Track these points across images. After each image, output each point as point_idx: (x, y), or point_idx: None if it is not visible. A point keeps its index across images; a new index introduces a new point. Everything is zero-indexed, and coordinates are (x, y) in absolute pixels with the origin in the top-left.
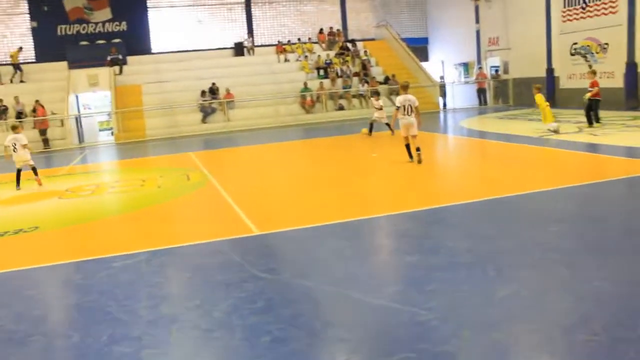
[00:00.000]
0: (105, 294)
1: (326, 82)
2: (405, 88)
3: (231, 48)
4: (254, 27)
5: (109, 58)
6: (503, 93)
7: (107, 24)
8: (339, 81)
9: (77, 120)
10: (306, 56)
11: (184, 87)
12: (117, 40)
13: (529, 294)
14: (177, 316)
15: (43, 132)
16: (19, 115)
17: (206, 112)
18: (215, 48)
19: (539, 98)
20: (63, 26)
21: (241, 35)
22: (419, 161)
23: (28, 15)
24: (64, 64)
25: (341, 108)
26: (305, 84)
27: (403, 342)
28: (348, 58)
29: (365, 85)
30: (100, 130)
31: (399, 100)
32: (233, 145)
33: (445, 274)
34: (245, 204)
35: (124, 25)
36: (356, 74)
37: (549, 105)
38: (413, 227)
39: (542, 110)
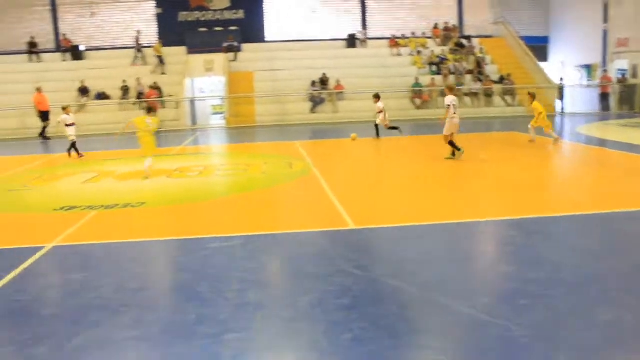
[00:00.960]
0: (199, 274)
1: (438, 79)
2: (452, 89)
3: (344, 39)
4: (368, 19)
5: (225, 45)
6: (629, 99)
7: (225, 12)
8: (452, 78)
9: (192, 103)
10: (419, 51)
11: (295, 76)
12: (233, 28)
13: (635, 322)
14: (263, 303)
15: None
16: (139, 95)
17: (315, 102)
18: (327, 39)
19: None
20: (184, 13)
21: (354, 27)
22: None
23: (154, 2)
24: (183, 49)
25: None
26: (416, 79)
27: (489, 357)
28: (462, 55)
29: (479, 83)
30: (212, 113)
31: (450, 100)
32: (339, 136)
33: (543, 290)
34: (345, 196)
35: (241, 14)
36: (470, 72)
37: None
38: (514, 236)
39: None
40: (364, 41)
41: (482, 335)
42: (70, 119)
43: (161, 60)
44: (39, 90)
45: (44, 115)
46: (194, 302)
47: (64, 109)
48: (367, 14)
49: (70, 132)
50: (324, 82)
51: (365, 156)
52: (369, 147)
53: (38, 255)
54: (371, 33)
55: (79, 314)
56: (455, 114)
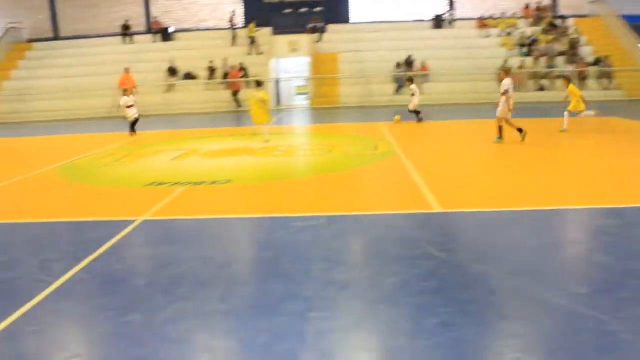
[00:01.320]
0: (284, 252)
1: (528, 61)
2: (508, 73)
3: (430, 20)
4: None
5: (310, 26)
6: None
7: None
8: (542, 60)
9: (277, 83)
10: (509, 32)
11: (380, 57)
12: (318, 9)
13: None
14: (347, 283)
15: (235, 93)
16: (225, 75)
17: (400, 84)
18: (413, 20)
19: None
20: None
21: (441, 7)
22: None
23: None
24: (269, 30)
25: (542, 89)
26: (505, 61)
27: (585, 351)
28: (555, 36)
29: (572, 65)
30: (297, 94)
31: (508, 83)
32: (426, 118)
33: None
34: (429, 179)
35: None
36: (562, 53)
37: None
38: (611, 225)
39: None
40: (450, 22)
41: (577, 327)
42: (130, 100)
43: (253, 41)
44: (126, 70)
45: None
46: (279, 279)
47: (124, 91)
48: None
49: (132, 112)
50: (409, 63)
51: (447, 138)
52: (450, 129)
53: (130, 227)
54: (458, 14)
55: (170, 285)
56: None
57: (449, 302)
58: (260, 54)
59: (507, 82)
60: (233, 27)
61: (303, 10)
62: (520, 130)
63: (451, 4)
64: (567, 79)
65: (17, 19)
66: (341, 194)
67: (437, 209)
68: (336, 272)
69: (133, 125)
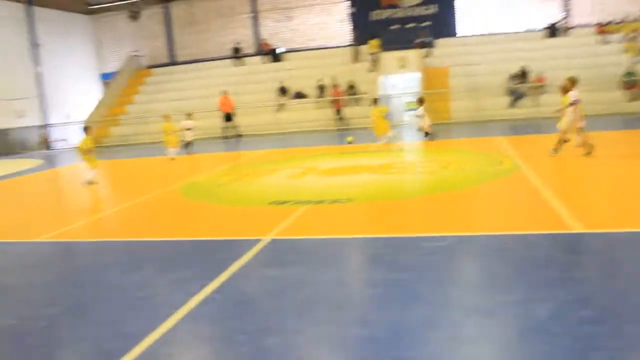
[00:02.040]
0: (419, 274)
1: None
2: (574, 83)
3: (542, 29)
4: (570, 6)
5: (417, 41)
6: None
7: (416, 8)
8: None
9: (386, 100)
10: (633, 37)
11: (491, 70)
12: (425, 24)
13: None
14: (493, 309)
15: (338, 112)
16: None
17: (515, 96)
18: (524, 30)
19: None
20: (376, 11)
21: (555, 15)
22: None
23: (348, 3)
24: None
25: None
26: (629, 68)
27: None
28: None
29: None
30: (406, 110)
31: (575, 95)
32: (544, 132)
33: None
34: (561, 196)
35: (432, 9)
36: None
37: None
38: None
39: None
40: (566, 30)
41: None
42: (189, 124)
43: (375, 58)
44: (225, 93)
45: (227, 117)
46: (418, 303)
47: (187, 115)
48: (569, 0)
49: (188, 135)
50: (523, 75)
51: (570, 152)
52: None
53: (258, 247)
54: (574, 21)
55: (305, 307)
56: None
57: (615, 333)
58: (372, 71)
59: (574, 94)
60: (355, 45)
61: (410, 25)
62: (561, 144)
63: (566, 11)
64: (571, 81)
65: (138, 48)
66: (468, 212)
67: (578, 228)
68: (478, 296)
69: (187, 144)
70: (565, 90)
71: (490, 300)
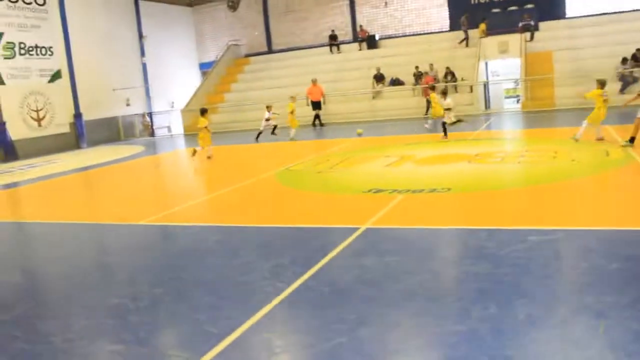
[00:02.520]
0: (523, 269)
1: None
2: (603, 84)
3: None
4: None
5: (520, 24)
6: None
7: None
8: None
9: (485, 87)
10: None
11: (601, 53)
12: (529, 6)
13: None
14: (604, 310)
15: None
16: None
17: (626, 82)
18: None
19: None
20: None
21: None
22: None
23: None
24: (475, 32)
25: None
26: None
27: None
28: None
29: None
30: (505, 97)
31: None
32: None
33: None
34: None
35: None
36: None
37: None
38: None
39: None
40: None
41: None
42: (268, 115)
43: (466, 36)
44: (314, 81)
45: (315, 105)
46: (522, 299)
47: (267, 107)
48: None
49: (264, 124)
50: (637, 58)
51: None
52: None
53: (354, 235)
54: None
55: (401, 299)
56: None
57: None
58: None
59: None
60: (465, 29)
61: (512, 8)
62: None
63: None
64: (601, 83)
65: (236, 37)
66: (575, 205)
67: None
68: (587, 295)
69: (259, 134)
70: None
71: (600, 300)
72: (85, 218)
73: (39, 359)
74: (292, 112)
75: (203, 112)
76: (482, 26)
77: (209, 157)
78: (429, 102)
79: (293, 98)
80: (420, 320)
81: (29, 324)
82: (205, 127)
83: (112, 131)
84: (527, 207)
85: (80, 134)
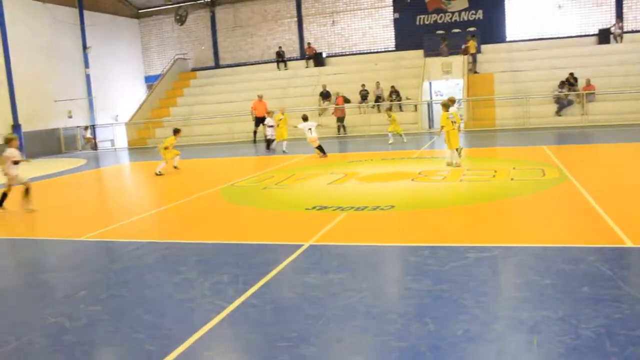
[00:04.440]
0: (461, 286)
1: None
2: None
3: (593, 35)
4: (625, 10)
5: (462, 46)
6: None
7: (463, 13)
8: None
9: (429, 106)
10: None
11: (539, 77)
12: (472, 29)
13: None
14: (537, 325)
15: (340, 120)
16: (377, 99)
17: (562, 104)
18: (574, 35)
19: None
20: (422, 16)
21: (606, 21)
22: None
23: (392, 8)
24: (420, 52)
25: None
26: None
27: None
28: None
29: None
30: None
31: None
32: (592, 141)
33: None
34: (613, 209)
35: (479, 14)
36: None
37: None
38: None
39: None
40: (619, 36)
41: None
42: (270, 121)
43: (474, 59)
44: (259, 97)
45: (259, 120)
46: (460, 316)
47: (267, 113)
48: (623, 5)
49: (269, 132)
50: (571, 82)
51: (620, 163)
52: (622, 153)
53: (298, 252)
54: (629, 26)
55: (343, 316)
56: None
57: None
58: (476, 72)
59: None
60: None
61: (456, 30)
62: None
63: (620, 15)
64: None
65: (184, 50)
66: (513, 222)
67: (629, 243)
68: (522, 310)
69: (269, 142)
70: None
71: (534, 315)
72: (22, 233)
73: None
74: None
75: (176, 132)
76: (472, 42)
77: (159, 174)
78: (341, 121)
79: (282, 109)
80: (361, 337)
81: None
82: (166, 148)
83: (53, 144)
84: (467, 224)
85: (18, 145)
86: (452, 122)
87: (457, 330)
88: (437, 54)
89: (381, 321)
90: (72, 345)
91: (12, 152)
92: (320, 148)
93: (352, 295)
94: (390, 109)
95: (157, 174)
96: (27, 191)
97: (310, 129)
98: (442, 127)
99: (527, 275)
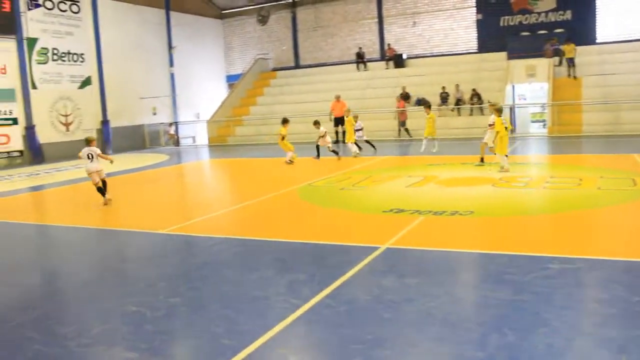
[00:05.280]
0: (541, 297)
1: None
2: None
3: None
4: None
5: (549, 49)
6: None
7: (550, 14)
8: None
9: (511, 110)
10: None
11: (632, 80)
12: (559, 30)
13: None
14: (627, 344)
15: (403, 123)
16: (457, 102)
17: None
18: None
19: None
20: (506, 17)
21: None
22: None
23: (475, 9)
24: (503, 54)
25: None
26: None
27: None
28: None
29: None
30: (531, 121)
31: None
32: None
33: None
34: None
35: (568, 14)
36: None
37: None
38: None
39: None
40: None
41: None
42: (322, 131)
43: (573, 63)
44: (337, 97)
45: (338, 121)
46: (542, 328)
47: (315, 122)
48: None
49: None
50: None
51: None
52: None
53: (374, 254)
54: None
55: (419, 322)
56: None
57: None
58: (575, 77)
59: None
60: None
61: (542, 32)
62: None
63: None
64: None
65: (264, 51)
66: (599, 234)
67: None
68: (609, 328)
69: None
70: None
71: (623, 334)
72: (107, 224)
73: None
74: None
75: (284, 121)
76: (572, 45)
77: (290, 162)
78: (403, 125)
79: (348, 112)
80: (437, 344)
81: (46, 326)
82: (283, 138)
83: (138, 139)
84: (549, 234)
85: (106, 140)
86: (505, 127)
87: (538, 343)
88: (521, 56)
89: (458, 329)
90: (152, 334)
91: (94, 150)
92: (317, 149)
93: (429, 300)
94: (429, 107)
95: (287, 163)
96: (104, 184)
97: (326, 132)
98: (497, 132)
99: (614, 290)
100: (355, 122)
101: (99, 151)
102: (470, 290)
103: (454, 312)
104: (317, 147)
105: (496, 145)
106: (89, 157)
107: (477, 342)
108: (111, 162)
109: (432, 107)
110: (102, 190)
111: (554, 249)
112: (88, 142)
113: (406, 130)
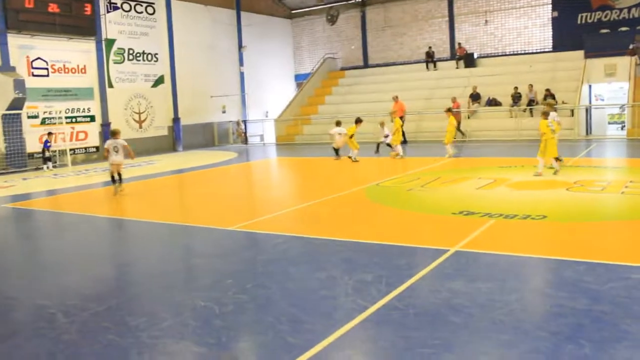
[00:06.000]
0: (622, 308)
1: None
2: None
3: None
4: None
5: (630, 46)
6: None
7: (632, 10)
8: None
9: (587, 111)
10: None
11: None
12: None
13: None
14: None
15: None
16: (530, 102)
17: None
18: None
19: None
20: (584, 14)
21: None
22: None
23: (550, 6)
24: (580, 53)
25: None
26: None
27: None
28: None
29: None
30: (609, 123)
31: None
32: None
33: None
34: None
35: None
36: None
37: None
38: None
39: None
40: None
41: None
42: (338, 130)
43: None
44: (394, 98)
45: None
46: (623, 342)
47: (337, 123)
48: None
49: (338, 139)
50: None
51: None
52: None
53: (443, 257)
54: None
55: (489, 328)
56: None
57: None
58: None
59: None
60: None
61: (624, 29)
62: None
63: None
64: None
65: (333, 50)
66: None
67: None
68: None
69: (336, 150)
70: None
71: None
72: (178, 219)
73: (127, 352)
74: (351, 136)
75: (357, 121)
76: None
77: (355, 161)
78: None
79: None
80: (508, 352)
81: (119, 316)
82: (352, 136)
83: (207, 136)
84: (630, 241)
85: (177, 137)
86: (552, 130)
87: (618, 357)
88: (599, 54)
89: (531, 337)
90: (220, 329)
91: (120, 142)
92: (336, 151)
93: (500, 306)
94: (450, 110)
95: (353, 161)
96: (120, 176)
97: (340, 134)
98: (542, 134)
99: None
100: (382, 127)
101: (124, 142)
102: (544, 297)
103: (526, 319)
104: (377, 145)
105: (543, 149)
106: (115, 150)
107: (551, 352)
108: (133, 158)
109: (503, 106)
110: (114, 180)
111: (635, 258)
112: (114, 134)
113: (461, 132)
